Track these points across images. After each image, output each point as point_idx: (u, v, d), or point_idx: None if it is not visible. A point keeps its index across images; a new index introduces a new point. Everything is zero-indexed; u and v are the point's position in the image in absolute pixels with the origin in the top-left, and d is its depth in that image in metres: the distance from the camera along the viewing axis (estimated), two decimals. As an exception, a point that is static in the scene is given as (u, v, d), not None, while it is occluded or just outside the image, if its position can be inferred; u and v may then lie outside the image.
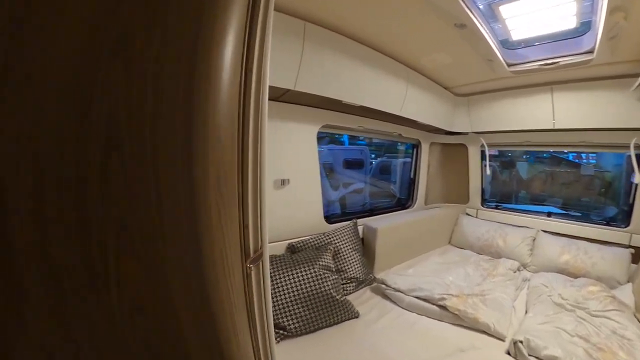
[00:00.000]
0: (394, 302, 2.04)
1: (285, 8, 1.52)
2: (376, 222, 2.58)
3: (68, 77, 0.37)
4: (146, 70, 0.39)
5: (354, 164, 3.40)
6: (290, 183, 2.03)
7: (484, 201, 3.51)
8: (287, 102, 1.97)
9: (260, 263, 0.60)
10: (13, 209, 0.38)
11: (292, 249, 2.03)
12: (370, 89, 2.10)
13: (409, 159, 3.48)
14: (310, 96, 1.79)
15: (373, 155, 3.69)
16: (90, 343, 0.43)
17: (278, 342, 1.59)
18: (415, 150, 3.37)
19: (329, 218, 2.39)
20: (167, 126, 0.40)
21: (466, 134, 3.27)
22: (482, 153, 3.31)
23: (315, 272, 1.77)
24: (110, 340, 0.44)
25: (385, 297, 2.09)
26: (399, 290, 2.04)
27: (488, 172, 3.20)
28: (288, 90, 1.68)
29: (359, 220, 2.46)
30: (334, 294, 1.77)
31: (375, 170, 3.65)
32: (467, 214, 3.52)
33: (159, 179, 0.39)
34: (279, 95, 1.82)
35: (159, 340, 0.46)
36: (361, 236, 2.45)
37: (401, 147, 3.54)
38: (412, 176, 3.38)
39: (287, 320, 1.65)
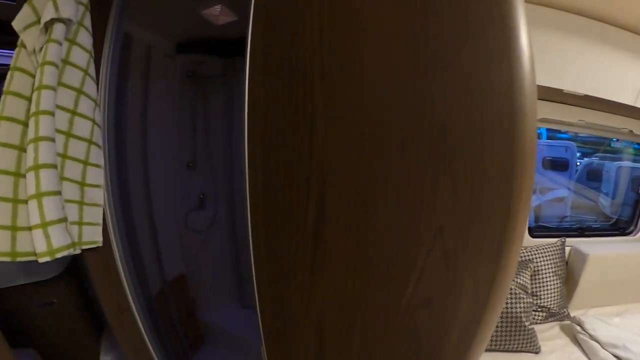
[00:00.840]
0: (584, 352, 1.62)
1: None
2: (587, 246, 2.05)
3: (398, 87, 0.40)
4: (467, 83, 0.40)
5: (556, 165, 2.74)
6: None
7: None
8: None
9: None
10: (331, 201, 0.46)
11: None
12: (595, 73, 1.67)
13: (634, 164, 2.59)
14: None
15: (578, 154, 2.90)
16: (373, 322, 0.49)
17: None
18: (648, 153, 2.47)
19: (532, 230, 2.07)
20: (490, 144, 0.40)
21: None
22: None
23: (511, 289, 1.59)
24: (391, 321, 0.49)
25: (576, 341, 1.69)
26: (595, 340, 1.60)
27: None
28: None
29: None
30: (523, 320, 1.56)
31: (582, 174, 2.88)
32: None
33: (481, 195, 0.41)
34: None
35: (426, 332, 0.49)
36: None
37: (618, 144, 2.67)
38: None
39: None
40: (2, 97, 0.70)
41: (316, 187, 0.45)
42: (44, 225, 0.65)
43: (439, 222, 0.41)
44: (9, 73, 0.72)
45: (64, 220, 0.70)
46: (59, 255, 0.67)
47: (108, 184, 0.92)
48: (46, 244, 0.66)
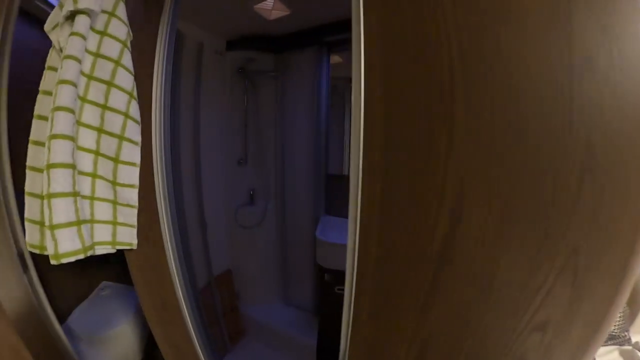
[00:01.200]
0: (648, 385, 1.44)
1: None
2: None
3: (545, 87, 0.37)
4: (611, 88, 0.36)
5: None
6: None
7: None
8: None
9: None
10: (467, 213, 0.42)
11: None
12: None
13: None
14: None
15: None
16: (483, 347, 0.46)
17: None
18: None
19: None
20: (629, 156, 0.36)
21: None
22: None
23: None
24: (501, 346, 0.45)
25: (637, 371, 1.51)
26: (661, 372, 1.42)
27: None
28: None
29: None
30: (583, 340, 1.40)
31: None
32: None
33: (616, 212, 0.37)
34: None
35: (534, 356, 0.46)
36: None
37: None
38: None
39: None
40: (37, 96, 0.71)
41: (451, 199, 0.40)
42: (52, 227, 0.63)
43: (575, 241, 0.38)
44: (44, 73, 0.71)
45: (75, 223, 0.66)
46: (64, 261, 0.64)
47: (162, 180, 0.89)
48: (53, 247, 0.63)
